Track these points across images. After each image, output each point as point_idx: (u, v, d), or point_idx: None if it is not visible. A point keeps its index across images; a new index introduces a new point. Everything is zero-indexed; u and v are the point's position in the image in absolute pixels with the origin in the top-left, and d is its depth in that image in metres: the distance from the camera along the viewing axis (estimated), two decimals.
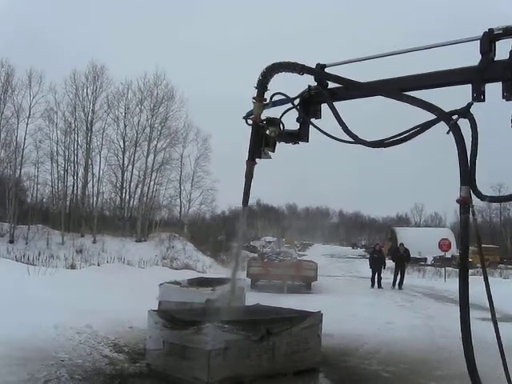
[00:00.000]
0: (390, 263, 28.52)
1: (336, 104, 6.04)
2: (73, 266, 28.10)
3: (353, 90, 6.12)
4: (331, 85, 6.31)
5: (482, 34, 4.92)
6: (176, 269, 31.87)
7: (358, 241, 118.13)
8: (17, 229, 42.62)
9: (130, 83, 48.92)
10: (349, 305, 16.85)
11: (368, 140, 5.59)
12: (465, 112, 4.84)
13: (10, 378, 6.68)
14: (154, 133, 48.64)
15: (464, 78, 5.14)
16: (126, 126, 49.22)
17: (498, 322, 4.86)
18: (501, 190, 58.66)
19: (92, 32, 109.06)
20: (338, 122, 5.81)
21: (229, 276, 8.83)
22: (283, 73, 6.52)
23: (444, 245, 36.20)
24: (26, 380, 6.68)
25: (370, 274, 27.89)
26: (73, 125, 47.14)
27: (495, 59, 4.93)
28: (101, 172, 49.39)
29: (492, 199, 5.25)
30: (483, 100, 4.96)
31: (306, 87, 6.54)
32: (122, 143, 49.32)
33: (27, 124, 45.31)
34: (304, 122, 6.66)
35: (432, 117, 5.10)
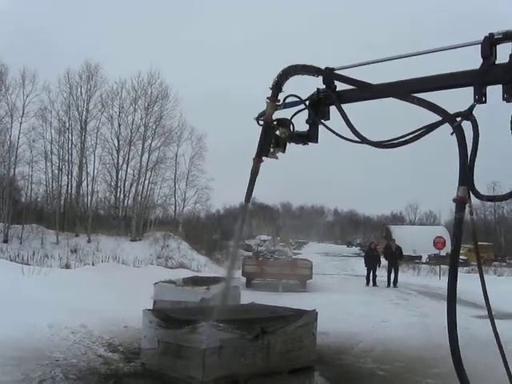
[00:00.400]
0: (384, 261, 28.52)
1: (345, 106, 6.18)
2: (67, 266, 28.05)
3: (363, 91, 6.25)
4: (339, 87, 6.44)
5: (482, 38, 5.01)
6: (171, 268, 31.86)
7: (353, 239, 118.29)
8: (11, 228, 42.48)
9: (124, 82, 48.86)
10: (344, 303, 16.84)
11: (375, 141, 5.74)
12: (468, 114, 4.95)
13: (4, 377, 6.67)
14: (148, 132, 48.59)
15: (466, 80, 5.25)
16: (120, 125, 49.17)
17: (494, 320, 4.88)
18: (495, 188, 59.06)
19: (90, 32, 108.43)
20: (346, 123, 5.95)
21: (225, 272, 8.90)
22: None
23: (439, 243, 36.26)
24: (20, 380, 6.67)
25: (365, 272, 27.90)
26: (67, 124, 47.01)
27: (496, 62, 5.04)
28: (95, 171, 49.32)
29: (489, 198, 5.38)
30: (485, 102, 5.07)
31: (315, 90, 6.66)
32: (116, 142, 49.30)
33: (21, 123, 45.18)
34: (313, 123, 6.78)
35: (435, 118, 5.21)
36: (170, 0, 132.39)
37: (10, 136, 45.16)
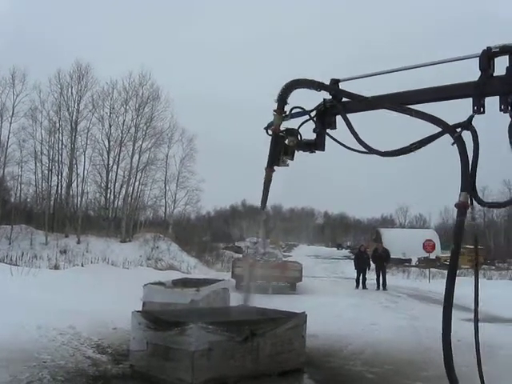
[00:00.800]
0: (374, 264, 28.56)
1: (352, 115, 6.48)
2: (56, 267, 27.97)
3: (363, 104, 6.43)
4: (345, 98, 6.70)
5: (481, 51, 5.22)
6: (160, 269, 31.82)
7: (343, 242, 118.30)
8: (0, 229, 42.28)
9: (115, 83, 48.78)
10: (333, 305, 16.87)
11: (380, 150, 5.97)
12: (467, 125, 5.15)
13: None
14: (139, 133, 48.53)
15: (465, 92, 5.44)
16: (110, 126, 49.05)
17: (482, 323, 4.92)
18: (484, 193, 59.29)
19: (82, 32, 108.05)
20: (352, 132, 6.19)
21: (246, 277, 9.20)
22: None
23: (428, 246, 36.35)
24: (8, 381, 6.64)
25: (355, 274, 27.94)
26: (57, 124, 46.89)
27: (494, 75, 5.25)
28: (85, 172, 49.16)
29: (491, 205, 5.59)
30: (483, 112, 5.29)
31: (322, 100, 6.91)
32: (106, 143, 49.18)
33: (11, 123, 45.04)
34: (320, 132, 7.04)
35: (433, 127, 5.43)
36: (166, 0, 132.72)
37: (0, 136, 45.02)
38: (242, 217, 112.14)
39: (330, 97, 6.81)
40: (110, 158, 49.32)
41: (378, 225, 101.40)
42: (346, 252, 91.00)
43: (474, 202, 5.02)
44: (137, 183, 49.99)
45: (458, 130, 5.18)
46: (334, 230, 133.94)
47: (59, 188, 49.20)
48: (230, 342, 7.22)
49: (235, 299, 11.73)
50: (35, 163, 46.90)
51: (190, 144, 53.53)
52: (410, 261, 59.10)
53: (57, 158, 47.62)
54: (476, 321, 4.98)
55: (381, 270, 27.14)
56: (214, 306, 11.69)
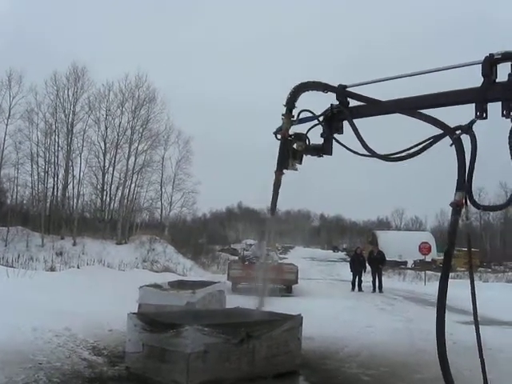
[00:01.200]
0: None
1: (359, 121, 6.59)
2: (52, 269, 27.92)
3: (373, 107, 6.53)
4: (351, 104, 6.79)
5: (483, 58, 5.30)
6: (156, 271, 31.76)
7: (339, 244, 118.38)
8: None
9: (111, 85, 48.73)
10: (329, 308, 16.85)
11: (383, 154, 6.10)
12: (467, 129, 5.24)
13: None
14: (135, 135, 48.45)
15: (468, 98, 5.53)
16: (107, 128, 48.98)
17: (479, 326, 4.94)
18: (481, 195, 59.50)
19: (78, 34, 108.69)
20: (358, 137, 6.31)
21: (259, 283, 9.25)
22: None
23: (424, 248, 36.39)
24: (3, 383, 6.62)
25: (351, 277, 27.94)
26: (53, 126, 46.77)
27: (496, 81, 5.32)
28: (81, 174, 49.04)
29: (486, 208, 5.67)
30: (486, 118, 5.36)
31: (329, 106, 7.02)
32: (102, 145, 49.09)
33: (7, 125, 44.93)
34: (328, 137, 7.14)
35: (433, 129, 5.58)
36: (164, 1, 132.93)
37: None
38: (237, 219, 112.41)
39: (337, 102, 6.89)
40: (106, 160, 49.30)
41: (374, 227, 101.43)
42: (341, 254, 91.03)
43: (469, 203, 5.08)
44: (133, 185, 49.97)
45: (458, 132, 5.27)
46: (330, 233, 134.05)
47: (55, 190, 49.17)
48: (225, 344, 7.22)
49: (231, 301, 11.75)
50: (31, 165, 46.87)
51: (186, 146, 53.53)
52: (405, 263, 59.16)
53: (53, 160, 47.57)
54: (476, 325, 4.99)
55: (377, 273, 27.18)
56: (210, 308, 11.69)
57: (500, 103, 5.24)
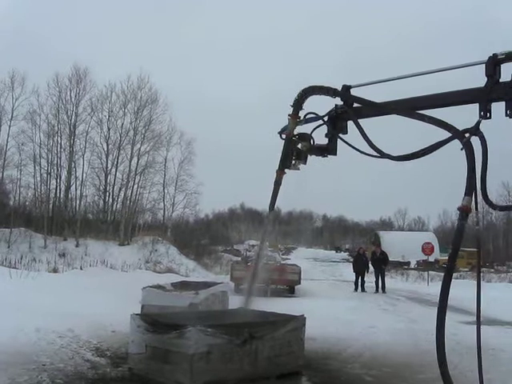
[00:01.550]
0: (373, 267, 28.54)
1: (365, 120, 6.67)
2: (55, 270, 27.92)
3: (375, 108, 6.56)
4: (356, 104, 6.88)
5: (487, 58, 5.35)
6: (159, 272, 31.79)
7: (342, 245, 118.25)
8: None
9: (113, 86, 48.69)
10: (332, 308, 16.84)
11: (392, 154, 6.12)
12: (475, 130, 5.25)
13: None
14: (137, 136, 48.37)
15: (472, 98, 5.58)
16: (109, 129, 48.93)
17: (482, 326, 4.94)
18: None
19: (80, 36, 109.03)
20: (364, 137, 6.34)
21: (248, 279, 9.29)
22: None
23: (427, 249, 36.33)
24: None
25: (354, 277, 27.91)
26: (56, 127, 46.70)
27: (500, 81, 5.37)
28: (84, 175, 48.91)
29: (502, 208, 5.68)
30: (490, 117, 5.45)
31: (334, 106, 7.13)
32: (105, 146, 49.04)
33: (10, 126, 44.91)
34: (332, 137, 7.22)
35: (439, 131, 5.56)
36: (165, 3, 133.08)
37: None
38: (240, 220, 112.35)
39: (342, 103, 6.91)
40: (109, 161, 49.25)
41: (377, 228, 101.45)
42: (344, 255, 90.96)
43: (481, 206, 5.07)
44: (135, 186, 49.89)
45: (467, 135, 5.25)
46: (333, 233, 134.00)
47: (58, 191, 49.05)
48: (228, 344, 7.22)
49: (234, 302, 11.75)
50: (34, 166, 46.77)
51: (188, 147, 53.53)
52: (408, 263, 59.15)
53: (55, 162, 47.48)
54: (478, 327, 4.99)
55: (380, 273, 27.12)
56: (213, 309, 11.70)
57: (503, 103, 5.25)
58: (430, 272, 36.09)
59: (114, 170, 49.29)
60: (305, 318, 8.53)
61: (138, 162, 48.69)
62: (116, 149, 48.73)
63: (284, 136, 7.37)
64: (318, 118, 7.21)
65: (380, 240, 65.60)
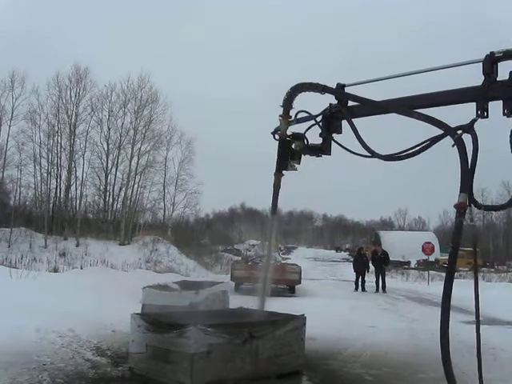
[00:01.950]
0: (373, 266, 28.54)
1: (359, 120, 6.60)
2: (56, 270, 27.95)
3: (370, 106, 6.49)
4: (350, 103, 6.82)
5: (484, 56, 5.31)
6: (159, 272, 31.79)
7: (342, 244, 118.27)
8: None
9: (113, 86, 48.84)
10: (332, 308, 16.83)
11: (383, 154, 6.08)
12: (469, 128, 5.22)
13: None
14: (137, 135, 48.51)
15: (469, 96, 5.54)
16: (109, 129, 49.09)
17: (482, 326, 4.94)
18: (484, 195, 59.53)
19: (81, 35, 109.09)
20: (357, 137, 6.31)
21: (260, 283, 9.26)
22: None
23: (427, 248, 36.35)
24: None
25: (354, 277, 27.92)
26: (56, 127, 46.88)
27: (497, 79, 5.33)
28: (84, 175, 49.15)
29: (488, 208, 5.64)
30: (487, 117, 5.40)
31: (328, 105, 7.05)
32: (105, 146, 49.21)
33: (10, 126, 45.11)
34: (326, 137, 7.15)
35: (434, 129, 5.54)
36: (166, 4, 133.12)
37: None
38: (240, 220, 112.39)
39: (336, 101, 6.87)
40: (109, 161, 49.43)
41: (377, 227, 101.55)
42: (344, 254, 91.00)
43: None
44: (136, 186, 50.05)
45: (459, 132, 5.22)
46: (333, 233, 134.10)
47: (58, 191, 49.21)
48: (229, 344, 7.22)
49: (234, 301, 11.75)
50: (34, 166, 46.93)
51: (188, 147, 53.68)
52: (409, 263, 59.24)
53: (56, 161, 47.63)
54: (477, 325, 4.99)
55: (380, 273, 27.13)
56: (213, 309, 11.70)
57: (501, 102, 5.22)
58: (431, 272, 36.10)
59: (114, 169, 49.52)
60: (305, 318, 8.52)
61: (138, 161, 48.87)
62: (116, 148, 48.87)
63: (277, 137, 7.30)
64: (310, 117, 7.13)
65: (380, 240, 65.64)
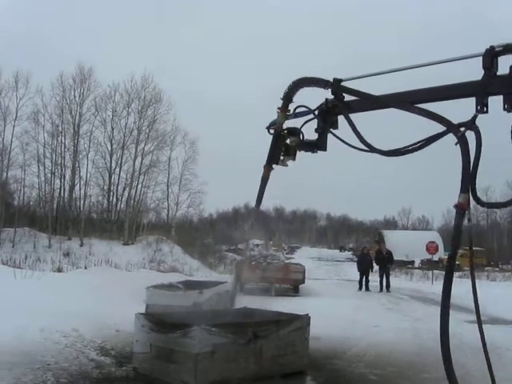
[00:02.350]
0: (377, 266, 28.52)
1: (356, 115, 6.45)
2: (60, 270, 27.95)
3: (368, 102, 6.42)
4: (347, 98, 6.64)
5: (484, 50, 5.20)
6: (163, 272, 31.77)
7: (346, 244, 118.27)
8: (3, 232, 42.26)
9: (117, 86, 48.81)
10: (336, 308, 16.82)
11: (383, 149, 5.98)
12: (471, 125, 5.13)
13: None
14: (141, 135, 48.47)
15: (468, 91, 5.43)
16: (113, 129, 49.11)
17: (486, 325, 4.93)
18: (488, 193, 59.43)
19: (84, 35, 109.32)
20: (354, 132, 6.16)
21: (231, 278, 9.18)
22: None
23: (431, 248, 36.31)
24: None
25: (358, 276, 27.90)
26: (60, 127, 46.91)
27: (497, 74, 5.21)
28: (88, 175, 49.16)
29: (491, 205, 5.58)
30: (486, 112, 5.27)
31: (324, 100, 6.89)
32: (109, 146, 49.22)
33: (14, 126, 45.04)
34: (322, 132, 6.99)
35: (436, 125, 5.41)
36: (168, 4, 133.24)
37: (3, 139, 45.05)
38: (244, 219, 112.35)
39: (333, 96, 6.79)
40: (113, 161, 49.44)
41: (381, 227, 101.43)
42: (348, 254, 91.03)
43: (473, 202, 5.01)
44: (139, 186, 50.01)
45: (462, 129, 5.14)
46: (337, 232, 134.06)
47: (62, 191, 49.25)
48: (233, 344, 7.22)
49: (238, 301, 11.74)
50: (38, 166, 46.99)
51: (192, 146, 53.52)
52: (412, 263, 59.17)
53: (60, 162, 47.66)
54: (480, 325, 4.98)
55: (384, 272, 27.12)
56: (217, 308, 11.70)
57: (501, 97, 5.18)
58: (435, 271, 36.08)
59: (118, 169, 49.53)
60: (309, 318, 8.52)
61: (141, 161, 48.87)
62: (120, 148, 48.91)
63: (272, 131, 7.12)
64: (308, 112, 6.98)
65: (384, 239, 65.58)
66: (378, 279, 27.32)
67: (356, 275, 28.94)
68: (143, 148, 48.70)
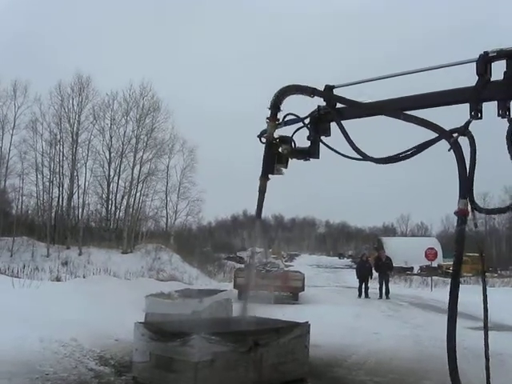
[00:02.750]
0: (376, 273, 28.52)
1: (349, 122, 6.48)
2: (58, 279, 27.87)
3: (360, 108, 6.40)
4: (340, 105, 6.67)
5: (478, 56, 5.21)
6: (162, 280, 31.72)
7: (345, 251, 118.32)
8: (1, 241, 42.12)
9: (115, 94, 48.86)
10: (336, 315, 16.80)
11: (375, 157, 5.98)
12: (464, 130, 5.14)
13: None
14: (139, 144, 48.50)
15: (462, 97, 5.43)
16: (111, 137, 49.12)
17: (490, 331, 4.91)
18: (486, 199, 59.46)
19: (82, 45, 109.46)
20: (347, 139, 6.19)
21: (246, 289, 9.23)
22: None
23: (430, 254, 36.30)
24: None
25: (357, 283, 27.87)
26: (58, 136, 46.88)
27: (491, 80, 5.24)
28: (86, 183, 49.13)
29: (489, 211, 5.58)
30: (480, 118, 5.30)
31: (316, 107, 6.90)
32: (107, 154, 49.21)
33: (12, 135, 45.07)
34: (314, 139, 6.99)
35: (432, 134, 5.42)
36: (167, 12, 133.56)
37: (1, 148, 45.08)
38: (243, 227, 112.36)
39: (325, 103, 6.77)
40: (111, 170, 49.43)
41: (380, 233, 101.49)
42: (347, 261, 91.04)
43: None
44: (138, 194, 49.99)
45: (455, 135, 5.14)
46: (336, 240, 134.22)
47: (60, 200, 49.16)
48: (233, 352, 7.19)
49: (238, 309, 11.71)
50: (36, 175, 46.92)
51: (190, 154, 53.57)
52: (412, 269, 59.19)
53: (58, 170, 47.61)
54: (486, 331, 4.95)
55: (384, 279, 27.11)
56: (217, 317, 11.66)
57: (495, 103, 5.16)
58: (434, 277, 36.08)
59: (116, 178, 49.52)
60: (309, 325, 8.50)
61: (140, 169, 48.88)
62: (118, 157, 48.92)
63: (264, 140, 7.17)
64: (298, 120, 7.02)
65: (383, 246, 65.57)
66: (378, 286, 27.29)
67: (355, 282, 28.92)
68: (141, 156, 48.77)
